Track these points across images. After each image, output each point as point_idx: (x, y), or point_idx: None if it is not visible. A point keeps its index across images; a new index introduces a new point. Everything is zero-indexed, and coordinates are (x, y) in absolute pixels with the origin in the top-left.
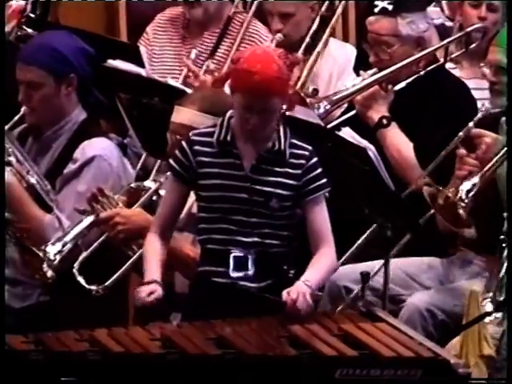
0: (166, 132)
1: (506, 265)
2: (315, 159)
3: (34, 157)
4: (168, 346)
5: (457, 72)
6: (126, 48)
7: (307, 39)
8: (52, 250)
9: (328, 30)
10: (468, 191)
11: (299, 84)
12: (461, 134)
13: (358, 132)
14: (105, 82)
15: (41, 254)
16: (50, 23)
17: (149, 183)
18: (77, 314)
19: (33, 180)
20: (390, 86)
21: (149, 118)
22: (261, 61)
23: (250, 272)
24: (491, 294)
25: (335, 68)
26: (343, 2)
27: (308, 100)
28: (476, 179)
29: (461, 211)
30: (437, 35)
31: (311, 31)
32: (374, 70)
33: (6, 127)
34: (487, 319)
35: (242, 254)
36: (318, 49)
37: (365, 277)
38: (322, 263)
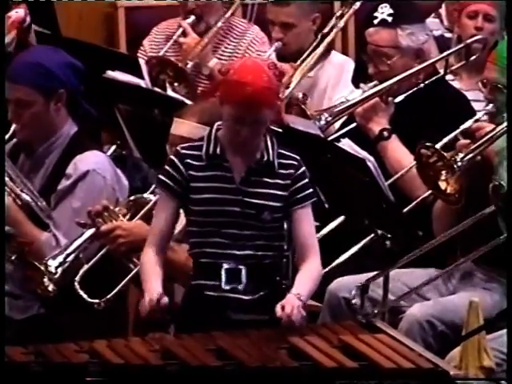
0: (165, 144)
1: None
2: (303, 168)
3: (26, 174)
4: (168, 357)
5: (456, 83)
6: (125, 59)
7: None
8: (53, 263)
9: (324, 45)
10: (463, 156)
11: (286, 92)
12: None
13: (358, 144)
14: (104, 93)
15: (42, 268)
16: (55, 36)
17: (149, 195)
18: (77, 325)
19: (27, 198)
20: (390, 99)
21: (148, 130)
22: (251, 72)
23: (243, 284)
24: None
25: (331, 79)
26: (344, 19)
27: (309, 112)
28: (472, 146)
29: (450, 174)
30: (436, 47)
31: (311, 47)
32: (375, 82)
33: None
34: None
35: (234, 267)
36: (311, 60)
37: (364, 288)
38: (312, 274)
